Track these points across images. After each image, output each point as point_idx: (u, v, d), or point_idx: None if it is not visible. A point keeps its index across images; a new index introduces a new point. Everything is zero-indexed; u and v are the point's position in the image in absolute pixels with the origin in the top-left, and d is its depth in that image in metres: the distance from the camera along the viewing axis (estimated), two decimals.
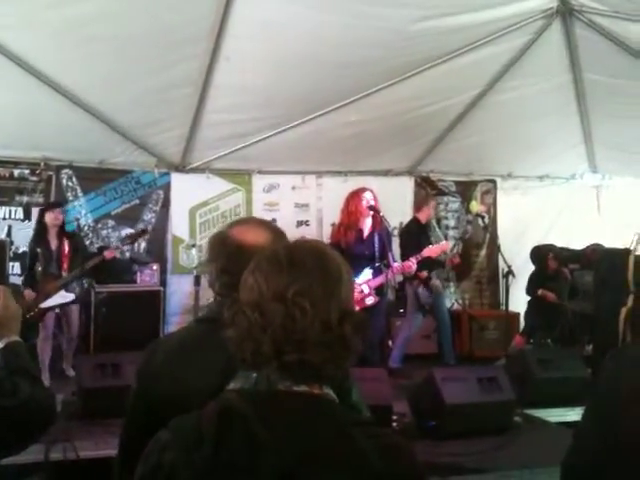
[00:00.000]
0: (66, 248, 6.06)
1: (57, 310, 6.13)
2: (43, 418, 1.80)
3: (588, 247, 7.99)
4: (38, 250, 6.17)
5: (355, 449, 1.13)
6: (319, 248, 1.31)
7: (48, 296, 6.00)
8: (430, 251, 6.34)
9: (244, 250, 1.64)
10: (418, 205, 7.26)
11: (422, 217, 7.10)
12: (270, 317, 1.18)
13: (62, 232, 6.31)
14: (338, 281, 1.24)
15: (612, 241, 7.77)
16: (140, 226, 7.51)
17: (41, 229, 6.28)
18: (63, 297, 5.92)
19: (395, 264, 6.07)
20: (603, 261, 6.84)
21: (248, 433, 1.13)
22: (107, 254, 6.28)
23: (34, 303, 5.96)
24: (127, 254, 7.45)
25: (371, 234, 6.13)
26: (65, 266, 6.06)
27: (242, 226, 1.79)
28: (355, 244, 6.03)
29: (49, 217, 6.21)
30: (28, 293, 6.01)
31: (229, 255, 1.69)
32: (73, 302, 6.18)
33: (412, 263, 6.15)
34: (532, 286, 7.55)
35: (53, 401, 1.89)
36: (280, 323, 1.17)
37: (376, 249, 6.06)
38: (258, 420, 1.14)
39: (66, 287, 6.00)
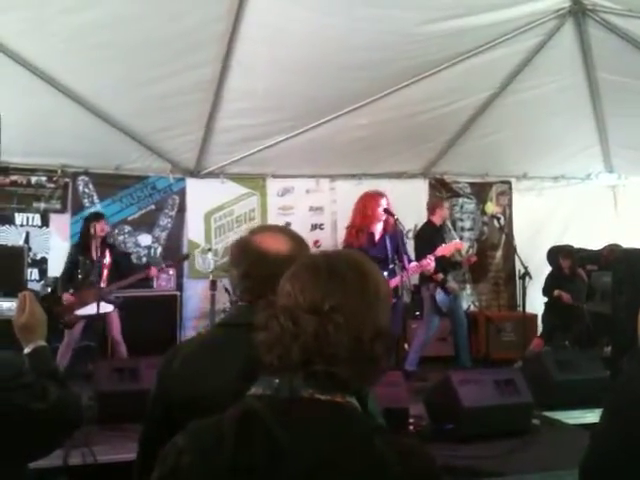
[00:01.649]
0: (107, 259, 6.12)
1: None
2: (71, 420, 1.84)
3: (605, 247, 7.93)
4: (80, 258, 6.26)
5: (375, 455, 1.13)
6: (359, 262, 1.30)
7: (85, 304, 6.07)
8: (443, 250, 6.26)
9: (266, 257, 1.67)
10: (431, 208, 7.22)
11: (436, 219, 7.06)
12: (303, 327, 1.18)
13: (104, 243, 6.38)
14: (375, 299, 1.24)
15: (630, 241, 7.71)
16: (156, 231, 7.60)
17: (85, 239, 6.36)
18: (102, 307, 5.95)
19: (412, 264, 6.04)
20: (621, 261, 6.78)
21: (269, 438, 1.14)
22: (152, 272, 6.44)
23: (70, 308, 6.06)
24: (144, 259, 7.51)
25: (382, 237, 6.09)
26: (105, 276, 6.12)
27: (264, 233, 1.81)
28: (368, 248, 5.99)
29: (98, 228, 6.27)
30: (67, 297, 6.09)
31: (251, 261, 1.71)
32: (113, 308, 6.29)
33: (430, 260, 6.07)
34: (548, 287, 7.50)
35: (80, 403, 1.92)
36: (312, 334, 1.17)
37: (389, 251, 6.03)
38: (279, 425, 1.15)
39: (104, 297, 6.06)
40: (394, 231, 6.08)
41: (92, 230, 6.27)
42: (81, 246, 6.37)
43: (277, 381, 1.21)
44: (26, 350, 1.90)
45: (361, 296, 1.22)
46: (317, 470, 1.11)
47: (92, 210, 7.24)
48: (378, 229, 6.12)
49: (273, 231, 1.84)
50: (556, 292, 7.37)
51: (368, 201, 6.11)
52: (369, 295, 1.23)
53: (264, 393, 1.22)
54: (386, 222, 6.09)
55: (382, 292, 1.26)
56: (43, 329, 1.96)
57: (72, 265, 6.30)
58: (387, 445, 1.15)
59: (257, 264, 1.66)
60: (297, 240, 1.79)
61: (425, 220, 7.28)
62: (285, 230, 1.87)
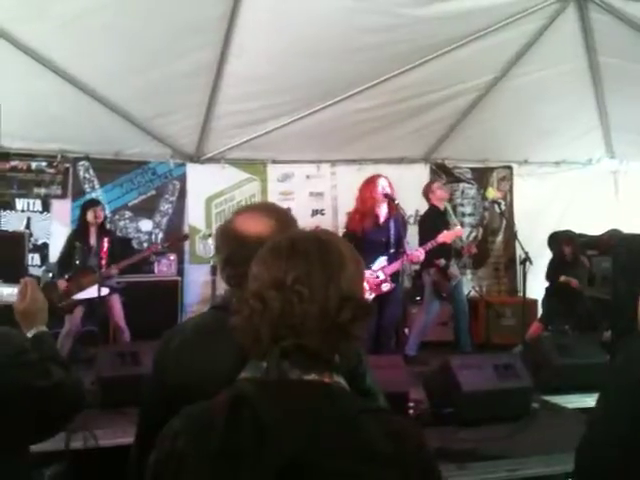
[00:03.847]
0: (105, 245, 6.13)
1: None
2: (74, 401, 1.85)
3: (606, 233, 7.92)
4: (76, 244, 6.27)
5: (363, 435, 1.14)
6: (321, 236, 1.31)
7: (83, 289, 6.08)
8: (445, 237, 6.31)
9: (245, 241, 1.65)
10: (425, 194, 7.13)
11: (437, 202, 7.00)
12: (269, 304, 1.20)
13: (102, 230, 6.41)
14: (339, 268, 1.25)
15: (630, 227, 7.70)
16: (157, 217, 7.61)
17: (82, 225, 6.40)
18: (101, 291, 5.96)
19: (409, 251, 6.06)
20: (621, 247, 6.77)
21: (257, 421, 1.15)
22: (153, 247, 6.58)
23: (67, 294, 6.07)
24: (145, 245, 7.52)
25: (387, 220, 6.10)
26: (104, 262, 6.13)
27: (245, 215, 1.77)
28: (371, 231, 6.01)
29: (90, 215, 6.30)
30: (62, 283, 6.11)
31: (230, 247, 1.70)
32: (112, 292, 6.29)
33: (420, 253, 6.13)
34: (552, 272, 7.50)
35: (82, 387, 1.94)
36: (278, 309, 1.19)
37: (392, 235, 6.04)
38: (267, 408, 1.16)
39: (104, 281, 6.06)
40: (397, 214, 6.10)
41: (87, 217, 6.29)
42: (78, 233, 6.39)
43: (265, 364, 1.22)
44: (27, 335, 1.92)
45: (324, 266, 1.23)
46: (304, 451, 1.12)
47: (93, 195, 7.26)
48: (383, 212, 6.12)
49: (255, 212, 1.79)
50: (563, 278, 7.37)
51: (366, 185, 6.17)
52: (332, 264, 1.24)
53: (253, 377, 1.24)
54: (390, 206, 6.09)
55: (347, 262, 1.27)
56: (44, 315, 1.98)
57: (68, 251, 6.31)
58: (377, 425, 1.16)
59: (236, 249, 1.66)
60: (281, 219, 1.75)
61: (427, 205, 7.26)
62: (269, 210, 1.80)
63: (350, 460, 1.12)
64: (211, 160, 7.63)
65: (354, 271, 1.29)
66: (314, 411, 1.17)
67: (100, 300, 5.98)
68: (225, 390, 1.23)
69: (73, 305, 6.14)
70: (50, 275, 6.87)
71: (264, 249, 1.30)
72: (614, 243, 7.17)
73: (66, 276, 6.24)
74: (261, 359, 1.23)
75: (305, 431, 1.14)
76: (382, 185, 6.06)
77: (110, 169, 7.44)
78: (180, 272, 7.61)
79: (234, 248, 1.68)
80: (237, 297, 1.29)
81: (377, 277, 5.87)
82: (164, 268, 7.56)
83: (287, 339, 1.18)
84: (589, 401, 4.37)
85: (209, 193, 7.80)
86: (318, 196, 8.13)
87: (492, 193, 8.33)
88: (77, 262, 6.26)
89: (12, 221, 7.13)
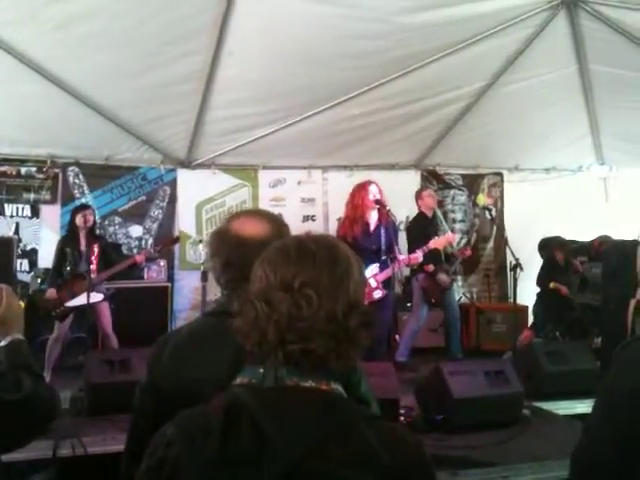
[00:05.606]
0: (95, 250, 6.08)
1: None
2: (46, 412, 1.82)
3: (596, 239, 7.95)
4: (67, 250, 6.22)
5: (362, 443, 1.13)
6: (329, 241, 1.32)
7: (75, 295, 6.04)
8: (436, 243, 6.31)
9: (244, 243, 1.66)
10: (415, 200, 7.15)
11: (425, 209, 7.02)
12: (276, 306, 1.18)
13: (91, 234, 6.34)
14: (346, 274, 1.24)
15: (620, 233, 7.74)
16: (147, 222, 7.57)
17: (72, 230, 6.33)
18: (92, 297, 5.91)
19: (401, 257, 6.06)
20: (612, 253, 6.80)
21: (255, 428, 1.13)
22: (138, 258, 6.41)
23: (60, 301, 6.02)
24: (135, 250, 7.48)
25: (377, 227, 6.11)
26: (94, 267, 6.08)
27: (241, 219, 1.78)
28: (361, 238, 6.00)
29: (79, 219, 6.23)
30: (51, 292, 6.07)
31: (230, 249, 1.70)
32: (102, 300, 6.23)
33: (418, 255, 6.15)
34: (543, 278, 7.51)
35: (55, 396, 1.91)
36: (285, 312, 1.17)
37: (382, 242, 6.04)
38: (265, 415, 1.14)
39: (94, 288, 6.01)
40: (387, 222, 6.09)
41: (76, 221, 6.24)
42: (68, 238, 6.34)
43: (262, 370, 1.21)
44: (2, 343, 1.89)
45: (332, 272, 1.22)
46: (303, 459, 1.10)
47: (83, 201, 7.22)
48: (373, 219, 6.12)
49: (250, 216, 1.81)
50: (552, 284, 7.38)
51: (357, 191, 6.18)
52: (340, 271, 1.24)
53: (249, 382, 1.22)
54: (381, 213, 6.09)
55: (354, 269, 1.27)
56: (20, 322, 1.96)
57: (59, 258, 6.26)
58: (375, 433, 1.14)
59: (236, 251, 1.66)
60: (275, 223, 1.77)
61: (417, 211, 7.27)
62: (263, 214, 1.84)
63: (350, 468, 1.11)
64: (202, 166, 7.61)
65: (359, 277, 1.29)
66: (313, 418, 1.15)
67: (89, 307, 5.93)
68: (219, 396, 1.21)
69: (67, 312, 6.09)
70: (39, 281, 6.82)
71: (270, 250, 1.28)
72: (604, 249, 7.20)
73: (59, 281, 6.18)
74: (261, 363, 1.21)
75: (305, 438, 1.12)
76: (373, 192, 6.07)
77: (100, 174, 7.40)
78: (170, 278, 7.58)
79: (234, 250, 1.68)
80: (240, 298, 1.26)
81: (369, 284, 5.86)
82: (154, 274, 7.53)
83: (294, 344, 1.17)
84: (580, 407, 4.39)
85: (200, 199, 7.77)
86: (309, 202, 8.12)
87: (483, 199, 8.36)
88: (67, 269, 6.21)
89: (1, 226, 7.08)
